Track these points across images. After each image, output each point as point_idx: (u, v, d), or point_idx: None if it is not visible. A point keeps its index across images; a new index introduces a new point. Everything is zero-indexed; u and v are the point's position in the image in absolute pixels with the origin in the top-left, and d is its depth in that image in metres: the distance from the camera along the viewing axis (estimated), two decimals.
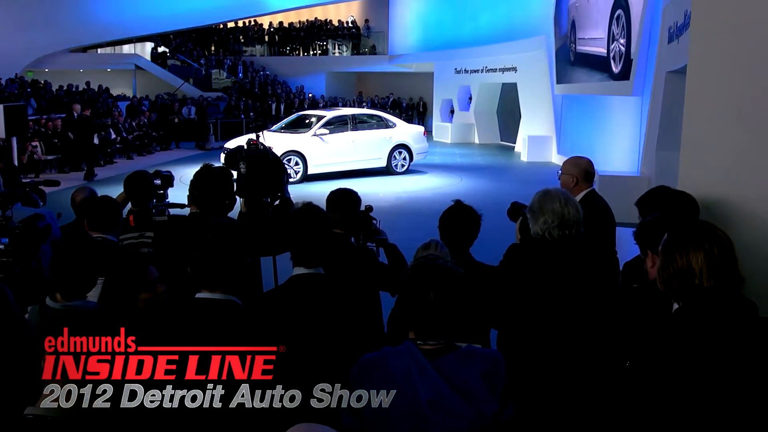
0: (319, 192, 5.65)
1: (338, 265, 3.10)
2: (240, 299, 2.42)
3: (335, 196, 3.87)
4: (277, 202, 4.24)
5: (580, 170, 4.40)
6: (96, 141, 17.04)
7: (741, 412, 2.07)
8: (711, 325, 2.11)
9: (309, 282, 2.72)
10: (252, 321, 2.48)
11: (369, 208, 3.98)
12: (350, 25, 33.37)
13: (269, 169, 4.15)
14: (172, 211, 4.27)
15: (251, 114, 26.01)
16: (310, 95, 29.12)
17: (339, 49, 32.91)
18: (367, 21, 32.97)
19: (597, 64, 14.93)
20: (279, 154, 4.29)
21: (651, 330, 2.23)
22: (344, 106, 25.23)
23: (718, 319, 2.11)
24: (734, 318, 2.12)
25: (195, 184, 3.73)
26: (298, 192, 8.86)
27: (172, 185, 4.53)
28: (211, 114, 23.75)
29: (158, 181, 4.45)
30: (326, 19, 33.73)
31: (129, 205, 4.49)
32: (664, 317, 2.26)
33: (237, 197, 3.94)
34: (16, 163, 13.09)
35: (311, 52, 33.15)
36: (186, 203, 3.93)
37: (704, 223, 2.33)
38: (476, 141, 25.40)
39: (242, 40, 33.88)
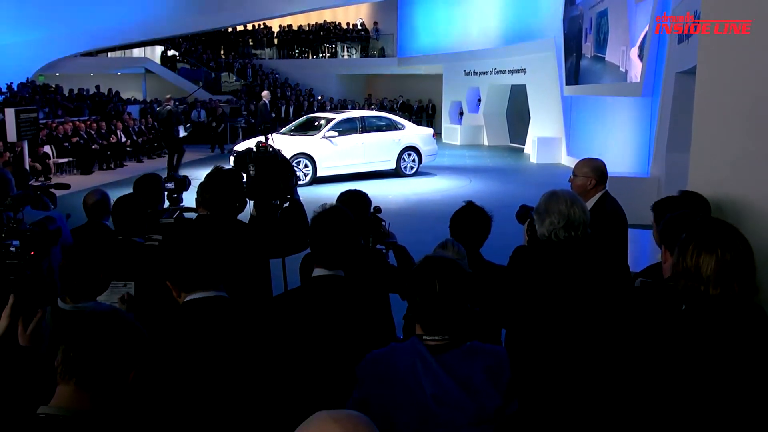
0: (329, 194, 5.65)
1: (350, 268, 3.11)
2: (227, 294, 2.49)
3: (345, 197, 3.88)
4: (286, 205, 4.25)
5: (597, 172, 4.35)
6: (181, 133, 15.68)
7: (742, 415, 2.06)
8: (715, 330, 2.10)
9: (329, 284, 2.72)
10: (256, 318, 2.51)
11: (378, 210, 3.99)
12: (359, 27, 33.41)
13: (279, 172, 4.15)
14: (185, 214, 4.28)
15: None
16: (320, 98, 29.15)
17: (348, 51, 32.96)
18: (375, 23, 33.00)
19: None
20: (288, 157, 4.29)
21: (657, 331, 2.23)
22: (353, 108, 25.24)
23: (723, 325, 2.10)
24: (739, 324, 2.10)
25: (205, 186, 3.73)
26: (307, 194, 8.88)
27: (186, 189, 4.52)
28: (237, 118, 23.58)
29: (171, 185, 4.45)
30: (335, 22, 33.79)
31: None
32: (672, 318, 2.25)
33: (248, 200, 3.95)
34: (27, 167, 13.18)
35: (320, 55, 33.21)
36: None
37: (726, 226, 2.26)
38: (485, 143, 25.39)
39: (251, 44, 33.98)
